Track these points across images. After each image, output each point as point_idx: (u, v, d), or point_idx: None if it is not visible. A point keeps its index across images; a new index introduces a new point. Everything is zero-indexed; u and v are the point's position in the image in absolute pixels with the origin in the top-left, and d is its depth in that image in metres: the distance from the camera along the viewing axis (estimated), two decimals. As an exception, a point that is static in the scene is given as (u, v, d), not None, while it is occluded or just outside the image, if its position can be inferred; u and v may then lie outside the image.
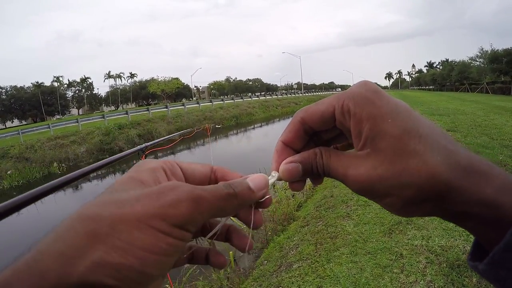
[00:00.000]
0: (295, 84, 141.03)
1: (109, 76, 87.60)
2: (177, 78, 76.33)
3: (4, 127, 64.05)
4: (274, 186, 5.21)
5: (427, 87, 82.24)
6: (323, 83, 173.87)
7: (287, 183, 0.41)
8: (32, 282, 0.24)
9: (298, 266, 3.81)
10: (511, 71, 37.76)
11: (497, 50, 40.11)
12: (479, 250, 0.35)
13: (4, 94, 67.19)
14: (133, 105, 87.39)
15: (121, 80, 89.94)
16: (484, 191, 0.32)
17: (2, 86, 67.24)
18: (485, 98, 28.73)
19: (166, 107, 30.83)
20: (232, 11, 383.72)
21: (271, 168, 0.42)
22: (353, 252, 3.72)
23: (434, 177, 0.32)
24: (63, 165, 18.09)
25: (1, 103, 65.69)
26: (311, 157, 0.40)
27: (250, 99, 45.83)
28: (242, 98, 45.54)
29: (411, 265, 3.25)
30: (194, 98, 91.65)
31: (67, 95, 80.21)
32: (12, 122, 68.25)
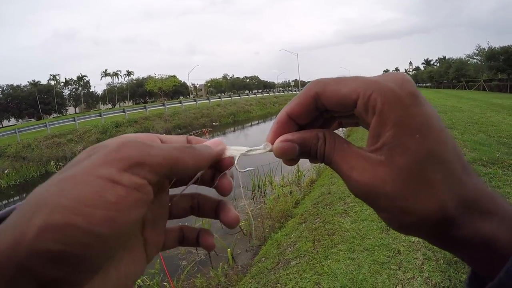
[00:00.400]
0: (293, 81, 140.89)
1: (105, 74, 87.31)
2: (174, 76, 76.00)
3: (1, 126, 63.74)
4: (271, 183, 5.20)
5: (424, 85, 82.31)
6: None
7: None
8: None
9: (296, 263, 3.82)
10: (508, 68, 37.75)
11: (494, 47, 40.11)
12: (475, 280, 0.33)
13: (0, 93, 66.91)
14: (130, 103, 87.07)
15: (118, 78, 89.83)
16: (483, 228, 0.30)
17: (-2, 84, 67.01)
18: (482, 95, 28.78)
19: (163, 105, 30.73)
20: (228, 8, 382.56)
21: (267, 137, 0.38)
22: (351, 248, 3.73)
23: (440, 211, 0.29)
24: (60, 163, 18.00)
25: (-2, 102, 65.45)
26: (312, 140, 0.35)
27: (247, 96, 45.72)
28: (239, 96, 45.40)
29: (409, 262, 3.26)
30: (191, 96, 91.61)
31: (64, 93, 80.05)
32: (8, 121, 68.00)
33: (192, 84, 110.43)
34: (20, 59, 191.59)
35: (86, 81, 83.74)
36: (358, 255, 3.57)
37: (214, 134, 24.29)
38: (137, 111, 29.00)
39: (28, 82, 72.63)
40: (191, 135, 0.43)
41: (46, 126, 21.88)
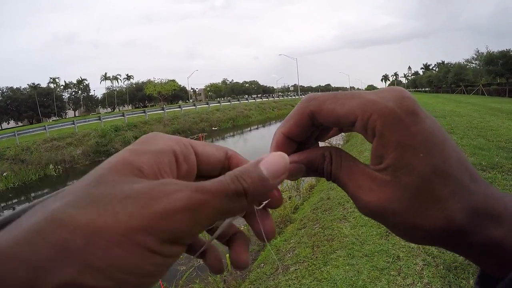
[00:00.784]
0: (292, 86, 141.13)
1: (105, 77, 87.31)
2: (173, 80, 76.19)
3: (0, 128, 63.72)
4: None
5: (423, 89, 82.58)
6: (320, 85, 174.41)
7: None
8: None
9: (295, 269, 3.80)
10: (506, 73, 37.94)
11: (493, 52, 40.31)
12: (486, 278, 0.33)
13: (0, 95, 66.95)
14: (130, 107, 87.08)
15: (117, 82, 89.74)
16: (493, 233, 0.30)
17: (-2, 87, 67.03)
18: (481, 100, 28.86)
19: (163, 109, 30.75)
20: (228, 13, 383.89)
21: (273, 138, 0.37)
22: (350, 254, 3.72)
23: (449, 223, 0.29)
24: (59, 167, 18.00)
25: (-3, 104, 65.46)
26: (318, 160, 0.35)
27: (247, 101, 45.75)
28: (238, 100, 45.47)
29: (408, 267, 3.25)
30: (191, 100, 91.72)
31: (63, 96, 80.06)
32: (8, 124, 68.00)
33: (192, 88, 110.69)
34: (20, 61, 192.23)
35: (86, 84, 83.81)
36: (357, 261, 3.55)
37: (212, 139, 24.29)
38: (136, 115, 28.97)
39: (28, 84, 72.57)
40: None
41: (45, 129, 21.88)
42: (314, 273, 3.59)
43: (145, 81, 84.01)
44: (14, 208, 12.36)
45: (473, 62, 46.77)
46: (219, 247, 0.38)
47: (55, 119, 69.55)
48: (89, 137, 21.58)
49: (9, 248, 0.21)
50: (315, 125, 0.35)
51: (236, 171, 0.29)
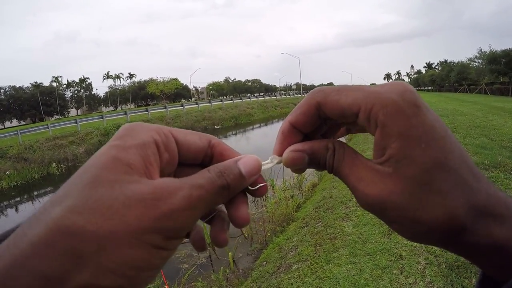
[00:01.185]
0: (294, 84, 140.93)
1: (107, 76, 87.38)
2: (176, 79, 76.18)
3: (2, 127, 63.87)
4: (273, 187, 5.18)
5: (426, 88, 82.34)
6: (322, 83, 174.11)
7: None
8: None
9: (297, 267, 3.80)
10: (509, 72, 37.75)
11: (496, 51, 40.08)
12: (487, 280, 0.33)
13: (2, 94, 66.97)
14: (132, 106, 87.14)
15: (120, 80, 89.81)
16: (496, 233, 0.29)
17: (0, 86, 66.97)
18: (484, 99, 28.76)
19: (165, 108, 30.82)
20: (230, 11, 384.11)
21: (274, 150, 0.38)
22: (353, 253, 3.72)
23: (451, 219, 0.29)
24: (62, 165, 18.04)
25: (0, 103, 65.53)
26: (321, 150, 0.35)
27: (249, 99, 45.66)
28: (241, 99, 45.45)
29: (411, 266, 3.25)
30: (193, 99, 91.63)
31: (66, 95, 79.97)
32: (10, 122, 68.09)
33: (194, 87, 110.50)
34: (22, 60, 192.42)
35: (88, 83, 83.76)
36: (360, 260, 3.55)
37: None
38: (139, 113, 29.03)
39: (30, 83, 72.62)
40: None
41: (48, 127, 21.94)
42: (316, 271, 3.59)
43: (147, 79, 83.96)
44: (17, 207, 12.42)
45: (476, 61, 46.56)
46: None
47: (58, 117, 69.63)
48: (92, 135, 21.63)
49: (20, 262, 0.22)
50: (321, 117, 0.35)
51: (220, 166, 0.32)
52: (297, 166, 0.36)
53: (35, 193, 14.19)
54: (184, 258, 5.40)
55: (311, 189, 7.74)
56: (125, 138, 0.30)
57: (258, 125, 31.53)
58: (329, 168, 0.35)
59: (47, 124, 23.04)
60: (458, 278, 2.96)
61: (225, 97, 78.32)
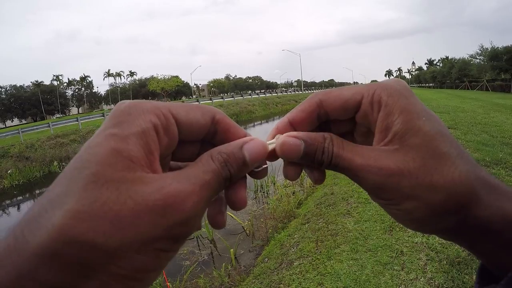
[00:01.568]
0: (295, 81, 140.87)
1: (108, 74, 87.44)
2: (176, 76, 76.17)
3: (4, 126, 63.94)
4: (274, 183, 5.18)
5: (427, 85, 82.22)
6: (323, 80, 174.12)
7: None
8: None
9: (299, 264, 3.82)
10: (511, 68, 37.66)
11: (497, 47, 40.02)
12: (487, 275, 0.34)
13: (3, 93, 67.07)
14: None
15: (120, 78, 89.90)
16: (507, 208, 0.30)
17: (1, 85, 67.22)
18: (485, 95, 28.72)
19: (166, 106, 30.81)
20: (230, 8, 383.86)
21: (267, 139, 0.36)
22: (354, 249, 3.73)
23: (465, 184, 0.30)
24: (63, 164, 18.03)
25: (1, 102, 65.54)
26: (318, 140, 0.34)
27: (250, 97, 45.66)
28: (242, 96, 45.42)
29: (412, 262, 3.26)
30: (194, 96, 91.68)
31: (67, 93, 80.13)
32: (12, 121, 68.16)
33: (195, 84, 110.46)
34: (23, 59, 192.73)
35: (89, 81, 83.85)
36: (361, 256, 3.57)
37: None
38: (140, 111, 28.99)
39: (31, 82, 72.83)
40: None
41: (49, 126, 21.95)
42: (318, 267, 3.60)
43: (148, 77, 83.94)
44: (19, 206, 12.44)
45: (477, 57, 46.50)
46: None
47: (59, 116, 69.73)
48: (93, 133, 21.59)
49: (28, 272, 0.21)
50: (320, 117, 0.36)
51: (224, 153, 0.31)
52: (290, 155, 0.34)
53: (37, 191, 14.19)
54: (186, 255, 5.42)
55: (313, 186, 7.74)
56: (123, 125, 0.27)
57: (259, 122, 31.50)
58: (327, 157, 0.33)
59: (48, 123, 23.04)
60: (459, 274, 2.97)
61: (226, 94, 78.15)
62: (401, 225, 2.94)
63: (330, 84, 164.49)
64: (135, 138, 0.27)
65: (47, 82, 75.27)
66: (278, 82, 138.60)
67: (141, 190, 0.25)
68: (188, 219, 0.27)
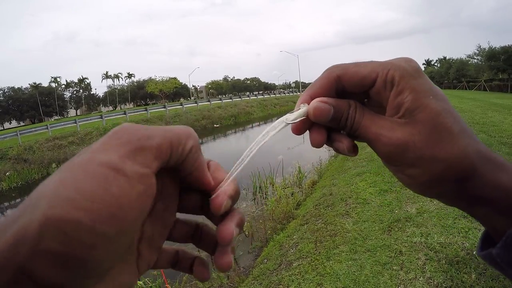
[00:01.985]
0: (293, 82, 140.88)
1: (106, 76, 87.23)
2: (175, 78, 76.08)
3: (2, 128, 63.78)
4: (273, 184, 5.18)
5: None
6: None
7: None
8: None
9: (298, 264, 3.82)
10: (508, 68, 37.76)
11: (495, 47, 40.10)
12: (487, 243, 0.37)
13: (1, 95, 66.83)
14: (131, 105, 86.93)
15: (118, 80, 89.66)
16: (501, 178, 0.34)
17: (-1, 87, 67.04)
18: (483, 95, 28.78)
19: (164, 107, 30.77)
20: (229, 9, 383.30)
21: (300, 100, 0.40)
22: (353, 249, 3.74)
23: (464, 157, 0.34)
24: (61, 166, 18.03)
25: (-1, 104, 65.46)
26: (344, 106, 0.39)
27: (248, 98, 45.56)
28: (240, 97, 45.30)
29: (411, 262, 3.27)
30: (192, 98, 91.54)
31: (65, 95, 79.84)
32: (10, 123, 68.00)
33: (193, 86, 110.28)
34: (21, 61, 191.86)
35: (87, 83, 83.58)
36: (360, 256, 3.57)
37: (214, 136, 24.31)
38: (138, 113, 29.00)
39: (29, 84, 72.37)
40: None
41: (47, 128, 21.92)
42: (317, 268, 3.61)
43: (146, 79, 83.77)
44: (17, 208, 12.38)
45: (475, 57, 46.52)
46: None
47: (57, 118, 69.48)
48: (91, 135, 21.62)
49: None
50: (338, 91, 0.39)
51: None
52: (321, 118, 0.38)
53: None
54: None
55: (311, 187, 7.75)
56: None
57: (258, 123, 31.49)
58: (350, 123, 0.38)
59: (46, 125, 23.02)
60: (457, 273, 2.98)
61: (224, 96, 78.24)
62: (400, 226, 2.94)
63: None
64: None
65: (45, 84, 74.87)
66: (276, 83, 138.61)
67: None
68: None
